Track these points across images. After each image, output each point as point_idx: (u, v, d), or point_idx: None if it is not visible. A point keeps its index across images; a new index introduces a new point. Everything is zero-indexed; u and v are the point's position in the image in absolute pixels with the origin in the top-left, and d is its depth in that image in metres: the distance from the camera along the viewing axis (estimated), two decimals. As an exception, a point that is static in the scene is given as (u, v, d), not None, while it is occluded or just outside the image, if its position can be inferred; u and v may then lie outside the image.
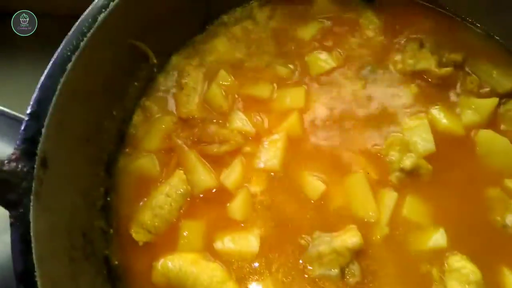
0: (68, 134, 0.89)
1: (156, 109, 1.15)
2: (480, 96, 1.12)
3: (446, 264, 0.95)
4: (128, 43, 1.06)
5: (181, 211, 1.03)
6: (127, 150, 1.12)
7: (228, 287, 0.94)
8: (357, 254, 0.96)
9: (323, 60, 1.18)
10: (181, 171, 1.06)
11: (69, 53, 0.86)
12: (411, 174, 1.02)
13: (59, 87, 0.83)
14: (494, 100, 1.09)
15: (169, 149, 1.10)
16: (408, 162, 1.00)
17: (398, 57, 1.17)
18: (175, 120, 1.12)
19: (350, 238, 0.96)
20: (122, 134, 1.12)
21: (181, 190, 1.04)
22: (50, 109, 0.81)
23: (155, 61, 1.14)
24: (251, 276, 0.97)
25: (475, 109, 1.09)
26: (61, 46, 0.87)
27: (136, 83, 1.14)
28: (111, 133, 1.08)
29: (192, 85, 1.15)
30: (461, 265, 0.94)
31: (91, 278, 0.92)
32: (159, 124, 1.13)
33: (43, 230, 0.78)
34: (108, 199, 1.06)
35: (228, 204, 1.02)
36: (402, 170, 1.01)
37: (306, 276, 0.96)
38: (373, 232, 0.99)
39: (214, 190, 1.04)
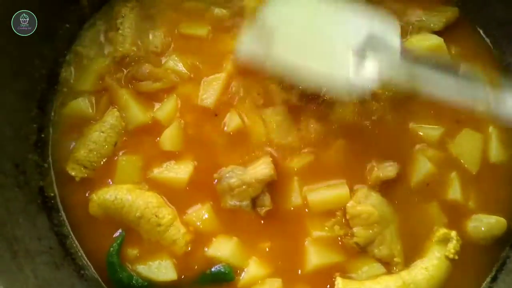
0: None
1: (89, 51, 1.16)
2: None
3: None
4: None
5: (116, 146, 1.08)
6: (60, 90, 1.13)
7: (163, 212, 1.01)
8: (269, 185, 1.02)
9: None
10: (115, 109, 1.10)
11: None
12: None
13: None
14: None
15: (103, 90, 1.12)
16: None
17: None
18: (108, 61, 1.14)
19: (261, 169, 1.01)
20: (56, 74, 1.13)
21: (115, 126, 1.08)
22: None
23: (85, 3, 1.16)
24: (184, 202, 1.04)
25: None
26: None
27: (67, 25, 1.14)
28: (42, 72, 1.09)
29: (127, 25, 1.17)
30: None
31: (23, 206, 0.97)
32: (93, 65, 1.15)
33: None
34: (42, 135, 1.08)
35: (158, 137, 1.07)
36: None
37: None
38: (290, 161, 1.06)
39: (149, 124, 1.08)
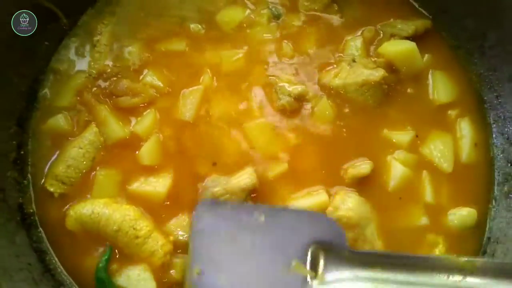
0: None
1: (67, 68, 1.18)
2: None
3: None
4: (34, 3, 1.07)
5: (95, 161, 1.09)
6: (39, 107, 1.14)
7: (141, 224, 1.02)
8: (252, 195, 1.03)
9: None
10: (93, 124, 1.11)
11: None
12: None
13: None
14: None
15: (81, 105, 1.13)
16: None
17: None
18: (86, 78, 1.15)
19: (244, 179, 1.03)
20: (35, 92, 1.14)
21: (94, 141, 1.09)
22: None
23: (65, 20, 1.17)
24: (163, 214, 1.05)
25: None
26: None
27: (46, 43, 1.16)
28: (21, 89, 1.11)
29: (104, 42, 1.19)
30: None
31: (2, 223, 0.97)
32: (71, 82, 1.16)
33: None
34: (22, 152, 1.09)
35: (137, 151, 1.08)
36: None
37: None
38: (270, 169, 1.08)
39: (127, 138, 1.09)
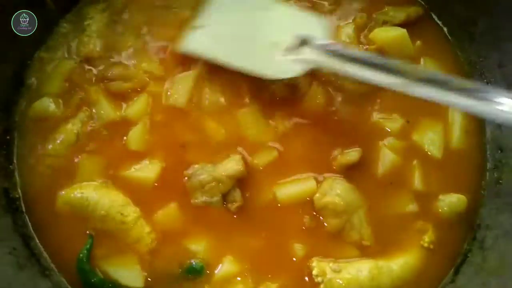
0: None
1: (56, 53, 1.16)
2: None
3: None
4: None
5: (84, 145, 1.07)
6: (26, 92, 1.13)
7: (128, 210, 1.01)
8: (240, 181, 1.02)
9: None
10: (85, 108, 1.10)
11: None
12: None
13: None
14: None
15: (71, 90, 1.12)
16: None
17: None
18: (76, 62, 1.14)
19: (231, 166, 1.02)
20: (21, 77, 1.13)
21: (84, 125, 1.08)
22: None
23: (52, 6, 1.17)
24: (150, 202, 1.04)
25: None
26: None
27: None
28: (7, 74, 1.10)
29: (94, 27, 1.18)
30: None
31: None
32: (59, 68, 1.15)
33: None
34: (7, 137, 1.09)
35: (126, 136, 1.07)
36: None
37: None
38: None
39: (118, 121, 1.08)
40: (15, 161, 1.08)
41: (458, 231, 1.07)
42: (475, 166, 1.12)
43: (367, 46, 1.15)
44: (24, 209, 1.06)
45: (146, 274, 1.01)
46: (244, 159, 1.05)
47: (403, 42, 1.14)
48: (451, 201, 1.06)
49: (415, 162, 1.09)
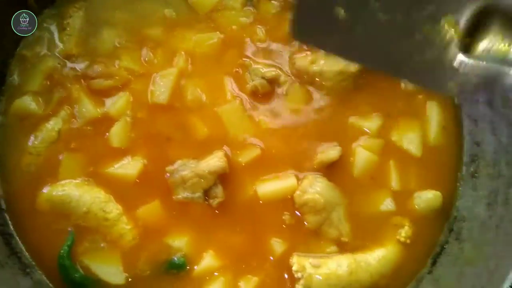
0: None
1: (37, 51, 1.15)
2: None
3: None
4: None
5: (66, 143, 1.07)
6: (7, 91, 1.12)
7: (110, 207, 1.02)
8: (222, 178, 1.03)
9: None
10: (66, 106, 1.10)
11: None
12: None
13: None
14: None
15: (52, 88, 1.12)
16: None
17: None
18: (57, 60, 1.14)
19: (214, 162, 1.03)
20: (3, 76, 1.13)
21: (65, 123, 1.08)
22: None
23: (35, 5, 1.16)
24: (132, 198, 1.04)
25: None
26: None
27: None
28: (-13, 72, 1.09)
29: (74, 26, 1.17)
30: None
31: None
32: (41, 65, 1.14)
33: None
34: (-12, 135, 1.08)
35: (107, 133, 1.07)
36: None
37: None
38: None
39: (99, 118, 1.08)
40: (-4, 158, 1.08)
41: (435, 225, 1.10)
42: (452, 161, 1.13)
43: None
44: (4, 207, 1.06)
45: (127, 270, 1.01)
46: (226, 155, 1.06)
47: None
48: (428, 197, 1.08)
49: (392, 161, 1.10)
